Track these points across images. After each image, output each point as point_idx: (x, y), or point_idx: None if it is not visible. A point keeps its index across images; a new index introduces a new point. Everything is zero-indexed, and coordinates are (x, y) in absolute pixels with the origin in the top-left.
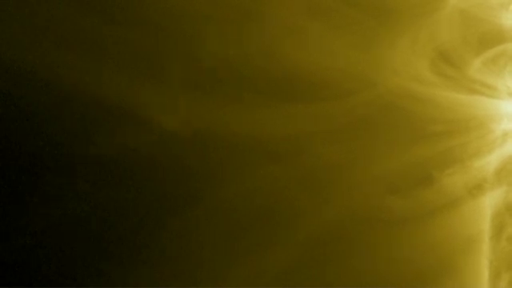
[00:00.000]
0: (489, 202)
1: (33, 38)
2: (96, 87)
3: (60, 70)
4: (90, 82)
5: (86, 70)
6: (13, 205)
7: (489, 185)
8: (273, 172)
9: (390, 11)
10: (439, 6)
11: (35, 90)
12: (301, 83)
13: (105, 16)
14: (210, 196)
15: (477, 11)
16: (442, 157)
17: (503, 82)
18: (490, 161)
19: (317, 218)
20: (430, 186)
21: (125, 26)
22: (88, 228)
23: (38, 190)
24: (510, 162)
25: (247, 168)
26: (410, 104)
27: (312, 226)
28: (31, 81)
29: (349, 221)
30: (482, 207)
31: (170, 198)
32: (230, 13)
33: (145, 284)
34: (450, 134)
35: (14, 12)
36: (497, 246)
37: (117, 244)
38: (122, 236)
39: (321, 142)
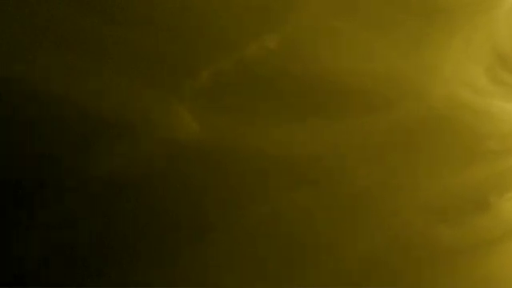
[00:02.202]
0: None
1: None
2: (96, 97)
3: (58, 79)
4: (90, 91)
5: (86, 77)
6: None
7: None
8: (301, 196)
9: (440, 9)
10: (497, 3)
11: (31, 100)
12: (333, 92)
13: (105, 17)
14: (228, 224)
15: None
16: (500, 178)
17: None
18: None
19: (351, 250)
20: (485, 213)
21: (127, 26)
22: (93, 261)
23: (36, 216)
24: None
25: (272, 192)
26: (462, 116)
27: (346, 258)
28: (26, 91)
29: (389, 251)
30: None
31: (183, 226)
32: (248, 8)
33: None
34: (509, 152)
35: (14, 12)
36: None
37: (122, 274)
38: (131, 268)
39: (356, 161)
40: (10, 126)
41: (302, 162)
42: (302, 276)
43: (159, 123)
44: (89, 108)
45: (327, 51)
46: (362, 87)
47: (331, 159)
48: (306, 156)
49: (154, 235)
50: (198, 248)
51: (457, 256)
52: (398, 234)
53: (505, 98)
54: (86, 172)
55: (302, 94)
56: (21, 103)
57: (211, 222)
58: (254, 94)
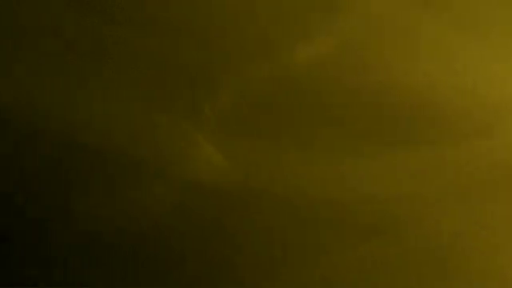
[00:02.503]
0: None
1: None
2: (92, 127)
3: (49, 99)
4: (90, 118)
5: (77, 100)
6: None
7: None
8: (363, 253)
9: None
10: None
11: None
12: (406, 113)
13: (105, 17)
14: None
15: None
16: None
17: None
18: None
19: None
20: None
21: (127, 27)
22: None
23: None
24: None
25: (327, 248)
26: None
27: None
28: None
29: None
30: None
31: None
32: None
33: None
34: None
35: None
36: None
37: None
38: None
39: (439, 206)
40: None
41: (364, 207)
42: None
43: (171, 157)
44: (84, 141)
45: (399, 58)
46: (447, 105)
47: (404, 203)
48: (369, 199)
49: None
50: None
51: None
52: None
53: None
54: (78, 223)
55: (364, 116)
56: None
57: None
58: (297, 117)
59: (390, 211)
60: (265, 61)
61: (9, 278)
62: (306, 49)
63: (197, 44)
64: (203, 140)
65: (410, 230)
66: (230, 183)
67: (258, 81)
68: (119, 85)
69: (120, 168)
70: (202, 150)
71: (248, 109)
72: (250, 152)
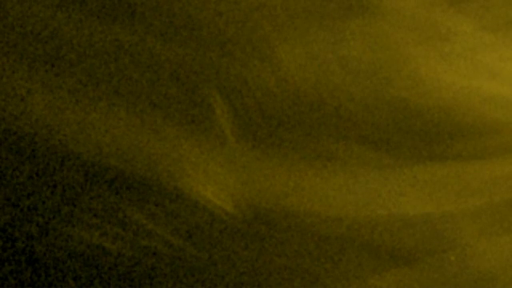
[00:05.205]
0: None
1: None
2: (94, 141)
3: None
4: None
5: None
6: None
7: None
8: (398, 281)
9: None
10: None
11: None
12: (446, 125)
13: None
14: None
15: None
16: None
17: None
18: None
19: None
20: None
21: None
22: None
23: None
24: None
25: (354, 275)
26: None
27: None
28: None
29: None
30: None
31: None
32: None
33: None
34: None
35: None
36: None
37: None
38: None
39: (480, 227)
40: None
41: (401, 230)
42: None
43: (174, 183)
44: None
45: (436, 68)
46: (482, 115)
47: (440, 221)
48: (404, 219)
49: None
50: None
51: None
52: None
53: None
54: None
55: (400, 129)
56: None
57: None
58: (328, 136)
59: (419, 235)
60: (277, 66)
61: None
62: (315, 60)
63: (206, 47)
64: (211, 161)
65: (443, 258)
66: (247, 212)
67: (271, 88)
68: (119, 104)
69: (116, 188)
70: (210, 173)
71: (260, 120)
72: (274, 175)
